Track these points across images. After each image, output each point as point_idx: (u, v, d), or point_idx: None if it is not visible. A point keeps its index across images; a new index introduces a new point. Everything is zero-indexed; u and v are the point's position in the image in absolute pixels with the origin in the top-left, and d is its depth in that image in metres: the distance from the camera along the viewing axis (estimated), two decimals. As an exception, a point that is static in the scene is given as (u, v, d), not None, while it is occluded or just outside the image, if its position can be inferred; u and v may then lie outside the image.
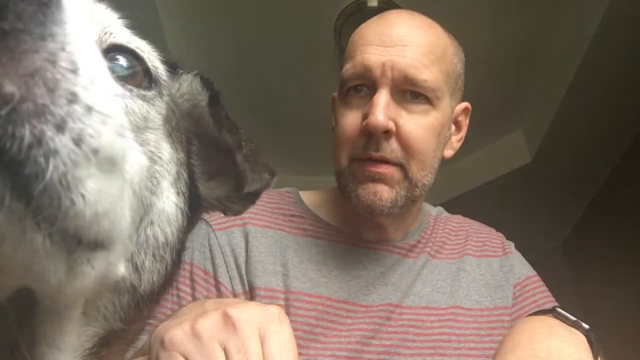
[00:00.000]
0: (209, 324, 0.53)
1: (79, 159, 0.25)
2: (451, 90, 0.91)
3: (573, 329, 0.64)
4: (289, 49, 1.98)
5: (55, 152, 0.24)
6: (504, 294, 0.95)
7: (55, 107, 0.24)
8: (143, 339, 0.58)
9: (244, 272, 0.87)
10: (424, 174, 0.87)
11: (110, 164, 0.28)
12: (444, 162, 0.95)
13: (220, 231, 0.90)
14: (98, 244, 0.30)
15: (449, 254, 0.99)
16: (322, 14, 1.86)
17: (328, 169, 0.95)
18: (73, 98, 0.25)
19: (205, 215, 0.71)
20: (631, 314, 2.15)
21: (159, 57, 0.51)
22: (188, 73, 0.57)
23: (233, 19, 1.85)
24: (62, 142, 0.25)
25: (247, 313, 0.54)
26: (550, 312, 0.68)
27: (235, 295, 0.86)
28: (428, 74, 0.84)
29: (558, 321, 0.65)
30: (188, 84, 0.57)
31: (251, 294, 0.86)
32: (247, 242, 0.90)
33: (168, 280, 0.48)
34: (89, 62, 0.27)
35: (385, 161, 0.84)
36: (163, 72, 0.50)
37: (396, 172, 0.85)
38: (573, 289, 2.64)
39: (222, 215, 0.91)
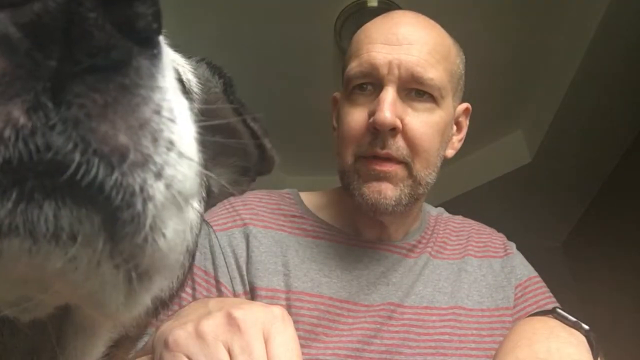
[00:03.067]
0: (213, 324, 0.53)
1: (167, 202, 0.26)
2: (454, 90, 0.91)
3: (573, 330, 0.64)
4: (289, 49, 1.98)
5: (151, 198, 0.25)
6: (505, 294, 0.95)
7: (157, 156, 0.26)
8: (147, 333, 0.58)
9: (244, 272, 0.87)
10: (427, 172, 0.88)
11: (185, 202, 0.29)
12: (444, 162, 0.95)
13: (221, 232, 0.90)
14: (159, 275, 0.30)
15: (450, 254, 0.99)
16: (322, 14, 1.86)
17: (327, 169, 0.96)
18: (170, 146, 0.27)
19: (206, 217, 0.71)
20: (631, 314, 2.15)
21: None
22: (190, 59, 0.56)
23: (233, 18, 1.85)
24: (159, 189, 0.26)
25: (251, 314, 0.54)
26: (551, 312, 0.68)
27: (235, 296, 0.86)
28: (434, 73, 0.85)
29: (558, 322, 0.65)
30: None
31: (252, 294, 0.86)
32: (247, 242, 0.90)
33: (183, 283, 0.48)
34: (181, 106, 0.28)
35: (390, 159, 0.84)
36: (194, 84, 0.50)
37: (401, 170, 0.85)
38: (573, 289, 2.64)
39: (222, 216, 0.92)
